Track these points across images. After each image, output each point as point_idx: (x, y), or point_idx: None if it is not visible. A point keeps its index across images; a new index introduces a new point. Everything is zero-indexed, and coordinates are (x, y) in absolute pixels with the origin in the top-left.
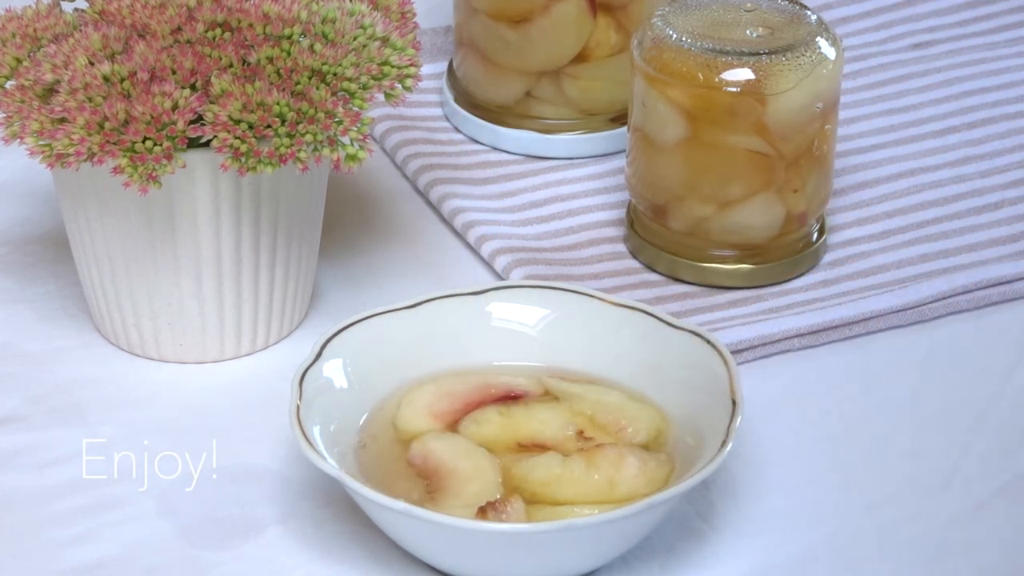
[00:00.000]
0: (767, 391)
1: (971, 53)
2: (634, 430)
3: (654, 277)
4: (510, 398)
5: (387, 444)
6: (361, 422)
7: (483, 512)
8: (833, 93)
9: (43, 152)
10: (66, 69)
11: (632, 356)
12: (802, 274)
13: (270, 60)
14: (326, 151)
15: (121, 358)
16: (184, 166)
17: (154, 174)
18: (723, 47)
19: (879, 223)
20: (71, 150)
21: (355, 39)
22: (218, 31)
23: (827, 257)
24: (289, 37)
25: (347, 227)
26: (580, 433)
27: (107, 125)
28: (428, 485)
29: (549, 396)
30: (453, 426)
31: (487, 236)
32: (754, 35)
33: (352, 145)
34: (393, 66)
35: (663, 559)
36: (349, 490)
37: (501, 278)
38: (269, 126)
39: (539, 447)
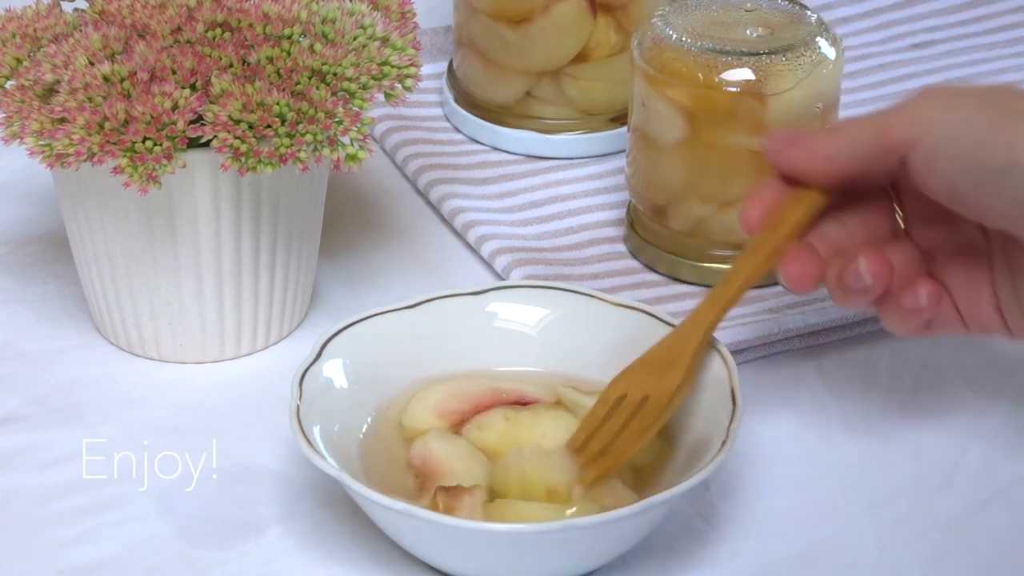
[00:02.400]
0: (767, 391)
1: (971, 53)
2: None
3: (654, 277)
4: (519, 403)
5: (392, 441)
6: (366, 422)
7: (434, 495)
8: (833, 93)
9: (43, 152)
10: (66, 69)
11: (632, 356)
12: None
13: (270, 60)
14: (326, 151)
15: (121, 358)
16: (184, 166)
17: (154, 174)
18: (723, 47)
19: None
20: (71, 150)
21: (355, 39)
22: (218, 31)
23: None
24: (289, 37)
25: (347, 227)
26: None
27: (107, 125)
28: (422, 483)
29: (560, 405)
30: (459, 426)
31: (487, 236)
32: (754, 35)
33: (352, 145)
34: (393, 66)
35: (663, 559)
36: (349, 490)
37: (501, 278)
38: (269, 126)
39: None
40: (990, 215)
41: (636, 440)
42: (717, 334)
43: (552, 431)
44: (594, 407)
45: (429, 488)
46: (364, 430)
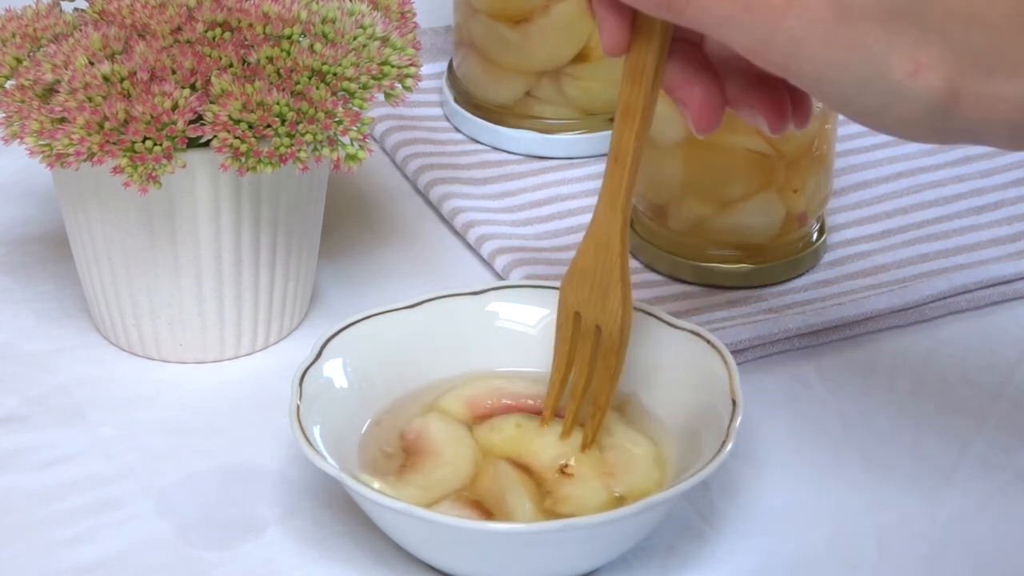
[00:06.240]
0: (767, 391)
1: None
2: (617, 481)
3: (654, 277)
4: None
5: (411, 415)
6: (367, 421)
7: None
8: None
9: (43, 152)
10: (66, 69)
11: (632, 356)
12: (802, 274)
13: (270, 60)
14: (326, 151)
15: (121, 358)
16: (184, 166)
17: (154, 174)
18: None
19: (879, 223)
20: (71, 150)
21: (355, 39)
22: (218, 31)
23: (827, 257)
24: (289, 37)
25: (347, 227)
26: (563, 468)
27: (107, 125)
28: (406, 461)
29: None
30: (479, 420)
31: (487, 236)
32: None
33: (352, 145)
34: (393, 66)
35: (663, 559)
36: (349, 490)
37: (501, 278)
38: (269, 126)
39: (523, 468)
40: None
41: (610, 387)
42: (717, 334)
43: (549, 446)
44: (559, 326)
45: (411, 466)
46: (366, 427)
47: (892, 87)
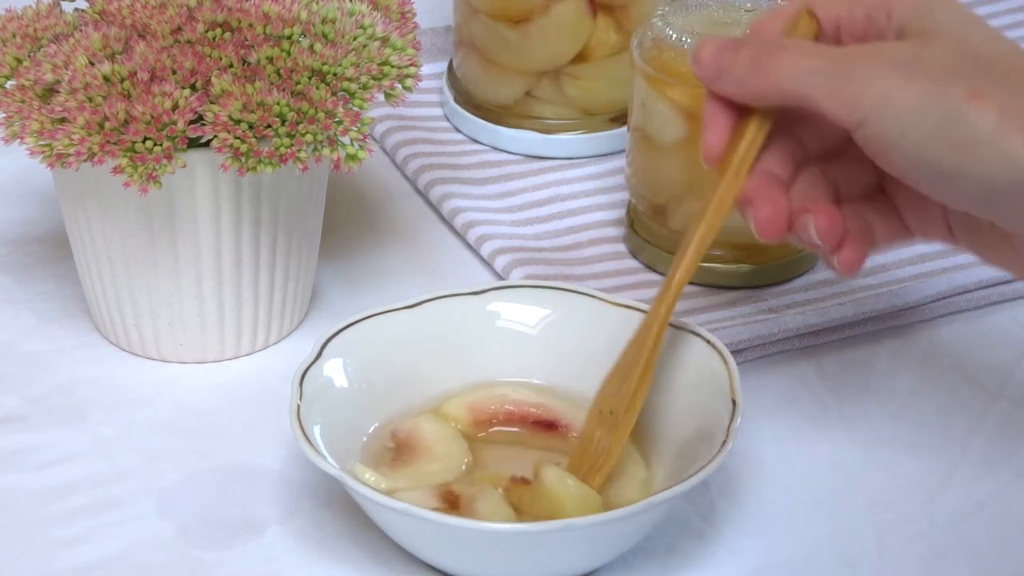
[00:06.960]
0: (767, 391)
1: None
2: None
3: (654, 277)
4: (544, 423)
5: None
6: (374, 423)
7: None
8: None
9: (43, 152)
10: (66, 69)
11: None
12: (802, 274)
13: (270, 60)
14: (326, 151)
15: (121, 358)
16: (184, 166)
17: (154, 174)
18: None
19: None
20: (71, 150)
21: (355, 39)
22: (218, 31)
23: None
24: (289, 37)
25: (347, 227)
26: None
27: (107, 125)
28: (397, 457)
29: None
30: (483, 426)
31: (487, 236)
32: None
33: (352, 145)
34: (393, 66)
35: (663, 559)
36: (349, 490)
37: (501, 278)
38: (269, 126)
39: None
40: (943, 200)
41: (605, 461)
42: (717, 334)
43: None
44: (587, 421)
45: (404, 460)
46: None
47: (951, 112)
